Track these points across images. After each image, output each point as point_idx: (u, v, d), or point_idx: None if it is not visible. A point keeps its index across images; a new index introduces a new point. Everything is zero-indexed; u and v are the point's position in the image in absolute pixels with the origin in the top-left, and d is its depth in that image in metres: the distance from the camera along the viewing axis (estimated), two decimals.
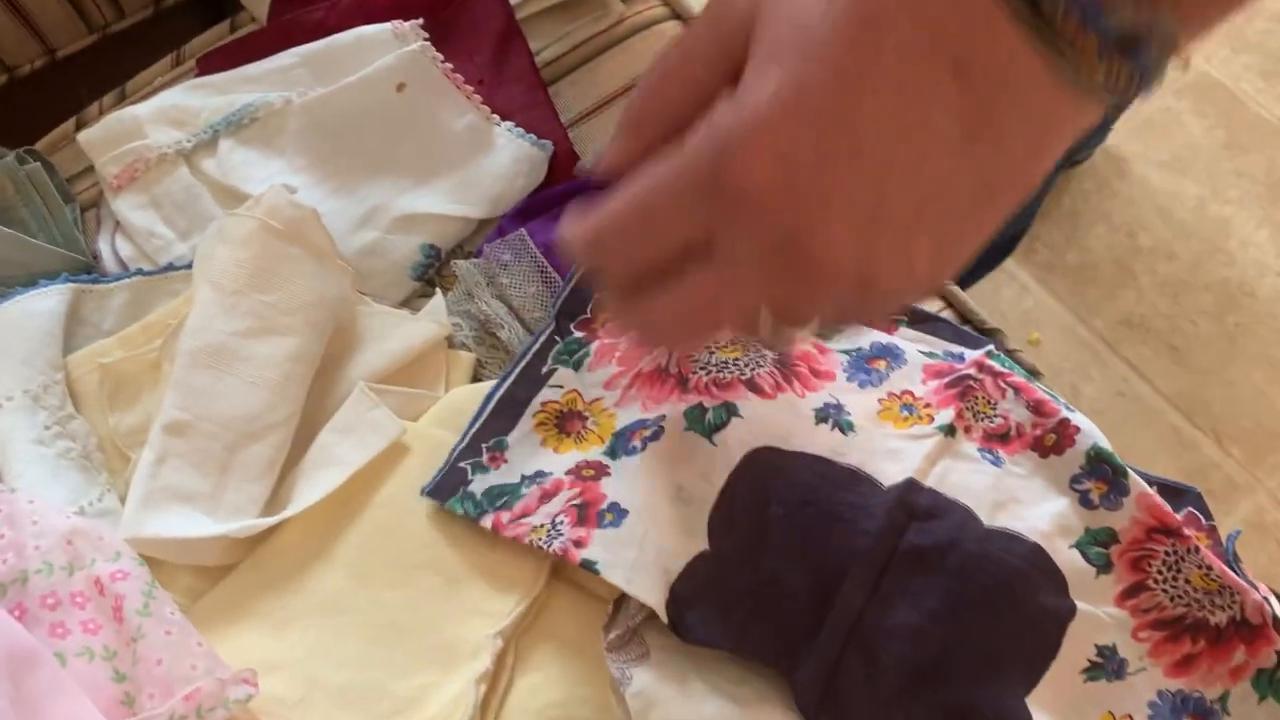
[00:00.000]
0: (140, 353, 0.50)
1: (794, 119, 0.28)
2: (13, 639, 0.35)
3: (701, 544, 0.43)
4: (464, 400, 0.49)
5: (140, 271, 0.54)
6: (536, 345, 0.50)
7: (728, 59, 0.31)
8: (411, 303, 0.54)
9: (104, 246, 0.56)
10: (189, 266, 0.53)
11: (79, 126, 0.61)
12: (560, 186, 0.56)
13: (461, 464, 0.46)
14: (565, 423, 0.48)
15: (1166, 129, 1.37)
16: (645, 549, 0.42)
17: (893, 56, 0.28)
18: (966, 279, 0.58)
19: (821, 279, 0.30)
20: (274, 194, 0.49)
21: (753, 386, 0.48)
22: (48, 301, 0.51)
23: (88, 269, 0.55)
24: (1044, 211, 1.30)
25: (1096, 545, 0.48)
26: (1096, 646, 0.47)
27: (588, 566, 0.42)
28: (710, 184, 0.29)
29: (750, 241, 0.30)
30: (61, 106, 0.65)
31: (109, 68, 0.71)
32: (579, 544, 0.43)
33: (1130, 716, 0.46)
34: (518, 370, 0.49)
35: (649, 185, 0.31)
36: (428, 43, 0.57)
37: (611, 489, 0.44)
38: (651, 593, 0.41)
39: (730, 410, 0.47)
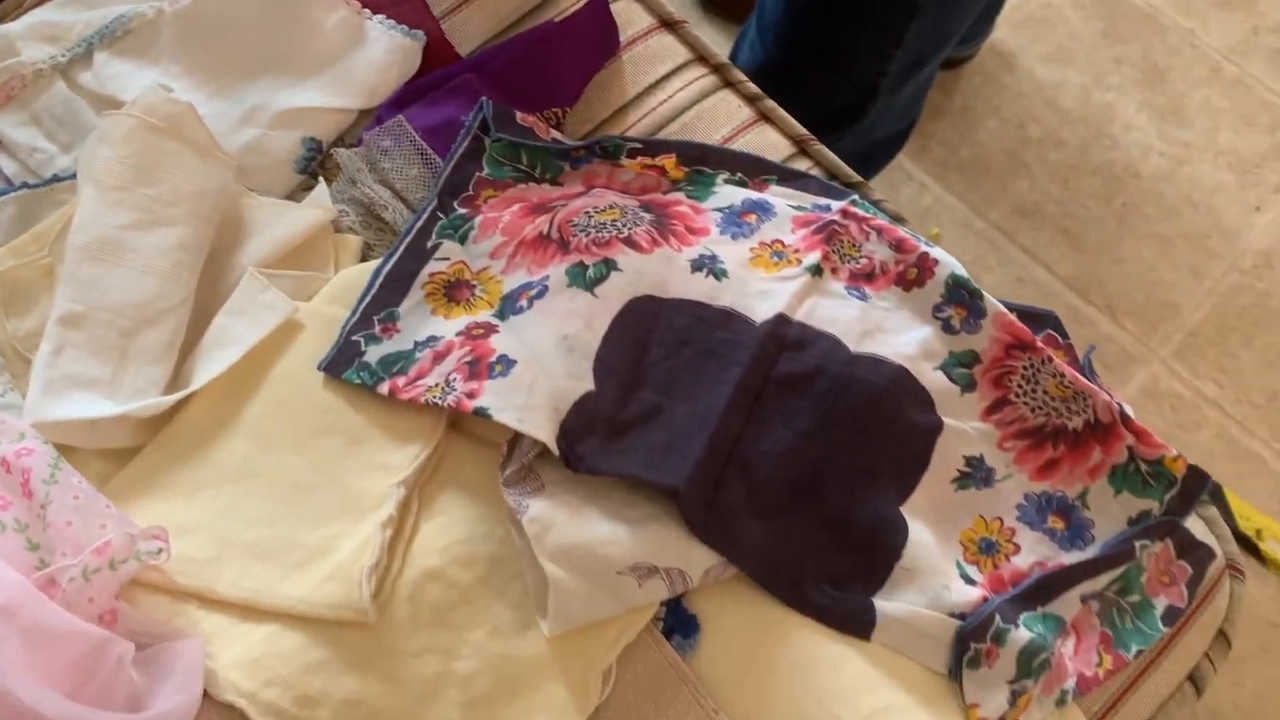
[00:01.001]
0: (32, 259, 0.51)
1: None
2: None
3: (588, 385, 0.46)
4: (353, 278, 0.51)
5: (25, 185, 0.54)
6: (420, 221, 0.52)
7: None
8: (296, 196, 0.55)
9: None
10: (73, 177, 0.53)
11: None
12: (434, 74, 0.57)
13: (354, 337, 0.48)
14: (454, 291, 0.50)
15: (1049, 22, 1.41)
16: (534, 393, 0.45)
17: None
18: (863, 175, 0.60)
19: None
20: (150, 93, 0.50)
21: (630, 243, 0.50)
22: None
23: None
24: (937, 110, 1.33)
25: (960, 366, 0.51)
26: (965, 458, 0.50)
27: (480, 413, 0.44)
28: None
29: None
30: None
31: None
32: (471, 395, 0.45)
33: (1000, 519, 0.50)
34: (404, 245, 0.51)
35: None
36: None
37: (500, 344, 0.47)
38: (542, 429, 0.44)
39: (610, 265, 0.49)
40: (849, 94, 0.96)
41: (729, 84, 0.60)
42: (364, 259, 0.53)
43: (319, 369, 0.48)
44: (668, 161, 0.55)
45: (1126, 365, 1.26)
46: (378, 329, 0.49)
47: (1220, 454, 1.21)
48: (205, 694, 0.40)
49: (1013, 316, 0.51)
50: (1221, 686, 1.10)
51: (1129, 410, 0.51)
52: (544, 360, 0.46)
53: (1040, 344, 0.51)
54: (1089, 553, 0.49)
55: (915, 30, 0.92)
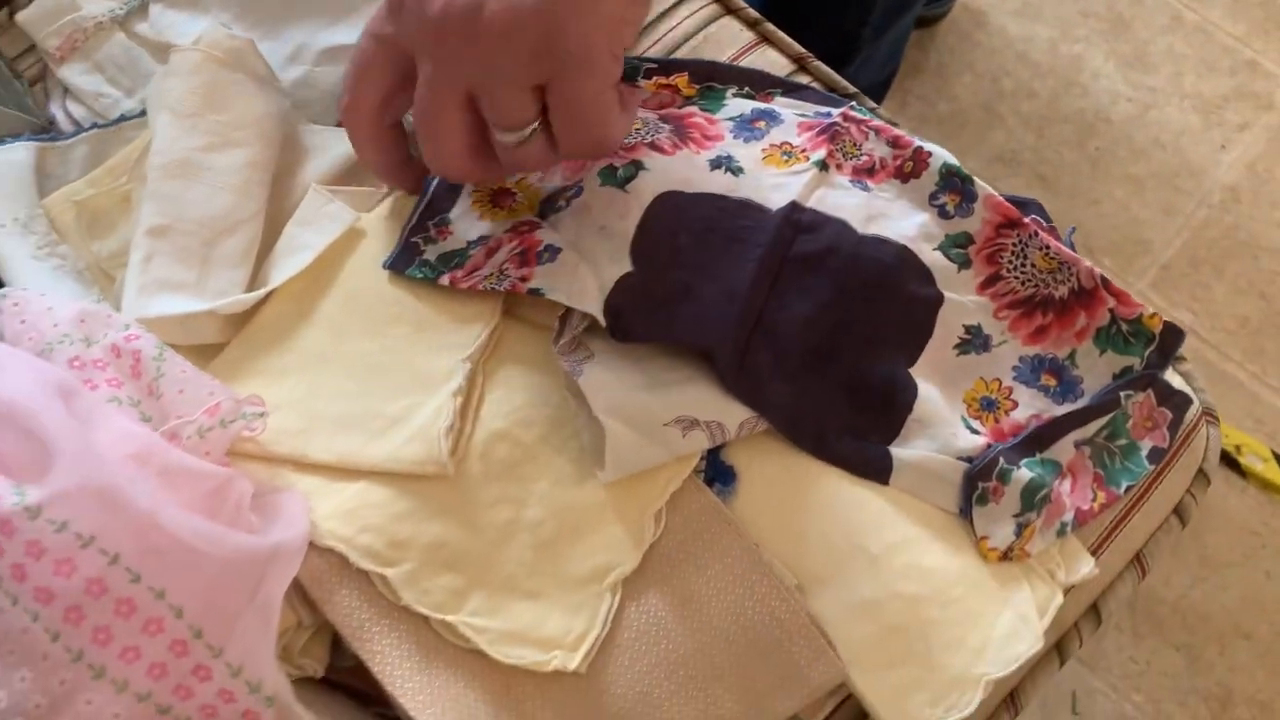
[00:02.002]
0: (110, 188, 0.56)
1: None
2: (52, 372, 0.42)
3: (626, 267, 0.51)
4: (407, 195, 0.56)
5: (95, 125, 0.59)
6: None
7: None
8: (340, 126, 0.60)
9: (57, 112, 0.61)
10: (139, 115, 0.58)
11: (11, 14, 0.65)
12: None
13: (413, 239, 0.54)
14: (497, 198, 0.56)
15: None
16: (579, 274, 0.50)
17: None
18: None
19: (506, 42, 0.41)
20: (213, 30, 0.56)
21: (654, 147, 0.56)
22: (16, 154, 0.56)
23: (44, 130, 0.60)
24: (914, 67, 1.40)
25: (955, 247, 0.57)
26: (964, 326, 0.56)
27: (534, 292, 0.50)
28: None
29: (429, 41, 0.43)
30: None
31: None
32: (524, 279, 0.50)
33: (999, 380, 0.56)
34: None
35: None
36: None
37: (545, 236, 0.52)
38: (590, 304, 0.49)
39: (637, 165, 0.54)
40: (833, 43, 1.02)
41: (730, 11, 0.66)
42: None
43: (383, 266, 0.53)
44: (680, 80, 0.61)
45: None
46: (433, 232, 0.54)
47: (1198, 377, 1.26)
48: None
49: (1000, 197, 0.57)
50: (1208, 591, 1.17)
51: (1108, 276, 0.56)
52: (585, 247, 0.52)
53: (1027, 221, 0.56)
54: (1079, 405, 0.55)
55: None
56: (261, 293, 0.51)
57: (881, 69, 1.17)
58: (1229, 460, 1.19)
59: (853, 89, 0.64)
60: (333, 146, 0.57)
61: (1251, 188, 1.35)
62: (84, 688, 0.37)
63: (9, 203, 0.54)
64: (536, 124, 0.45)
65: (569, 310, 0.50)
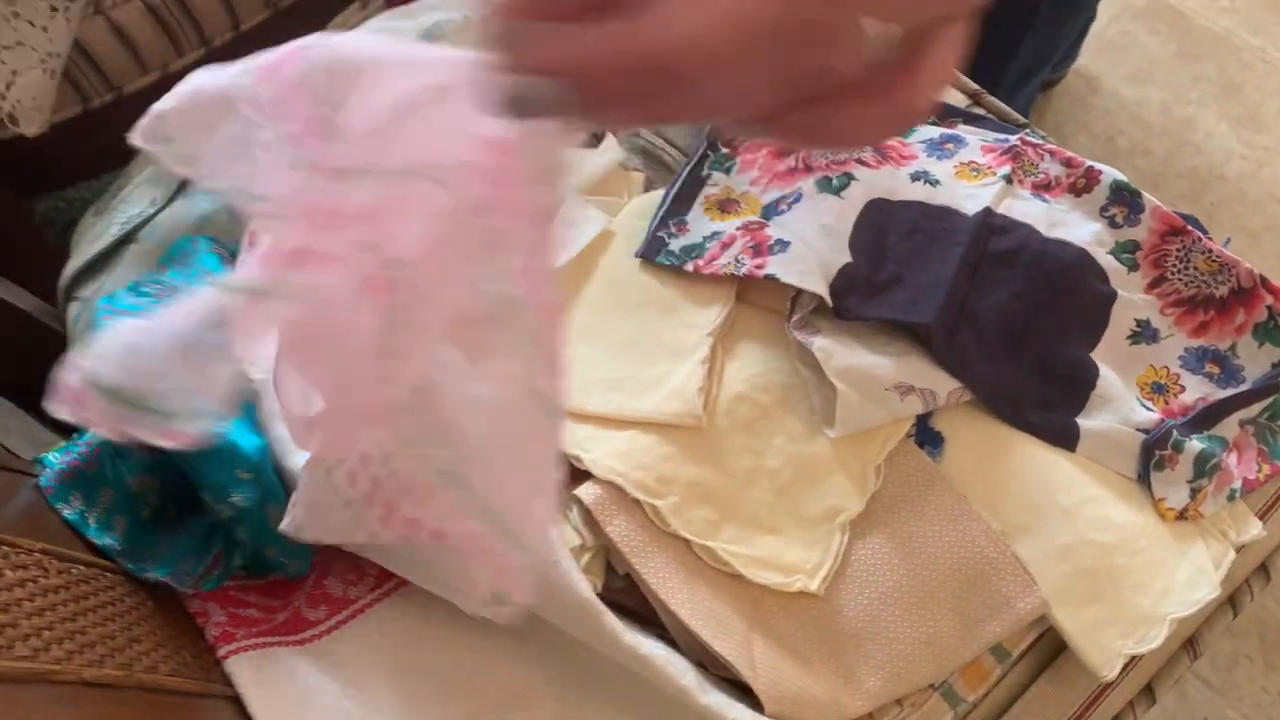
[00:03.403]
0: None
1: None
2: None
3: (846, 258, 0.60)
4: (647, 201, 0.66)
5: None
6: (696, 158, 0.67)
7: None
8: (588, 146, 0.70)
9: None
10: None
11: None
12: None
13: (659, 233, 0.63)
14: (725, 205, 0.65)
15: (1126, 48, 1.56)
16: (807, 263, 0.59)
17: None
18: None
19: None
20: None
21: (861, 162, 0.65)
22: None
23: None
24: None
25: (1125, 253, 0.65)
26: (1135, 320, 0.63)
27: (770, 278, 0.59)
28: None
29: None
30: None
31: (286, 33, 0.88)
32: (759, 266, 0.59)
33: (1167, 367, 0.63)
34: (685, 174, 0.66)
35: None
36: None
37: (773, 232, 0.61)
38: (819, 287, 0.58)
39: (849, 176, 0.64)
40: None
41: None
42: (646, 190, 0.68)
43: (635, 256, 0.62)
44: None
45: None
46: (673, 228, 0.64)
47: None
48: (590, 476, 0.54)
49: (1165, 208, 0.65)
50: None
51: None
52: (810, 242, 0.61)
53: (1188, 230, 0.64)
54: (1242, 389, 0.62)
55: (1028, 44, 1.08)
56: None
57: None
58: None
59: (1023, 119, 0.73)
60: (582, 165, 0.67)
61: None
62: None
63: None
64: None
65: (799, 293, 0.59)
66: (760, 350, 0.60)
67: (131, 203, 0.68)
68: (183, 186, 0.67)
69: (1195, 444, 0.59)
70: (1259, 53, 1.54)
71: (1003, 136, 0.69)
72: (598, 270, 0.62)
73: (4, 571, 0.41)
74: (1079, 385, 0.60)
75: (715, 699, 0.49)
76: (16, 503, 0.50)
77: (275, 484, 0.50)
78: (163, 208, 0.67)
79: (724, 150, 0.67)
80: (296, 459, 0.54)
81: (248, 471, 0.48)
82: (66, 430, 0.74)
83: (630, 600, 0.54)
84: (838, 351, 0.57)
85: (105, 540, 0.50)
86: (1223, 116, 1.50)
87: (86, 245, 0.67)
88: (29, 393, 0.71)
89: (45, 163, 0.85)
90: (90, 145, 0.89)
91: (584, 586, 0.50)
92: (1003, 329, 0.60)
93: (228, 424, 0.49)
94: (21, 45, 0.75)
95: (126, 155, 0.94)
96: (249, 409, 0.51)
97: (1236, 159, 1.47)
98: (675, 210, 0.64)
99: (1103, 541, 0.56)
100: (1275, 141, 1.47)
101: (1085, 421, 0.60)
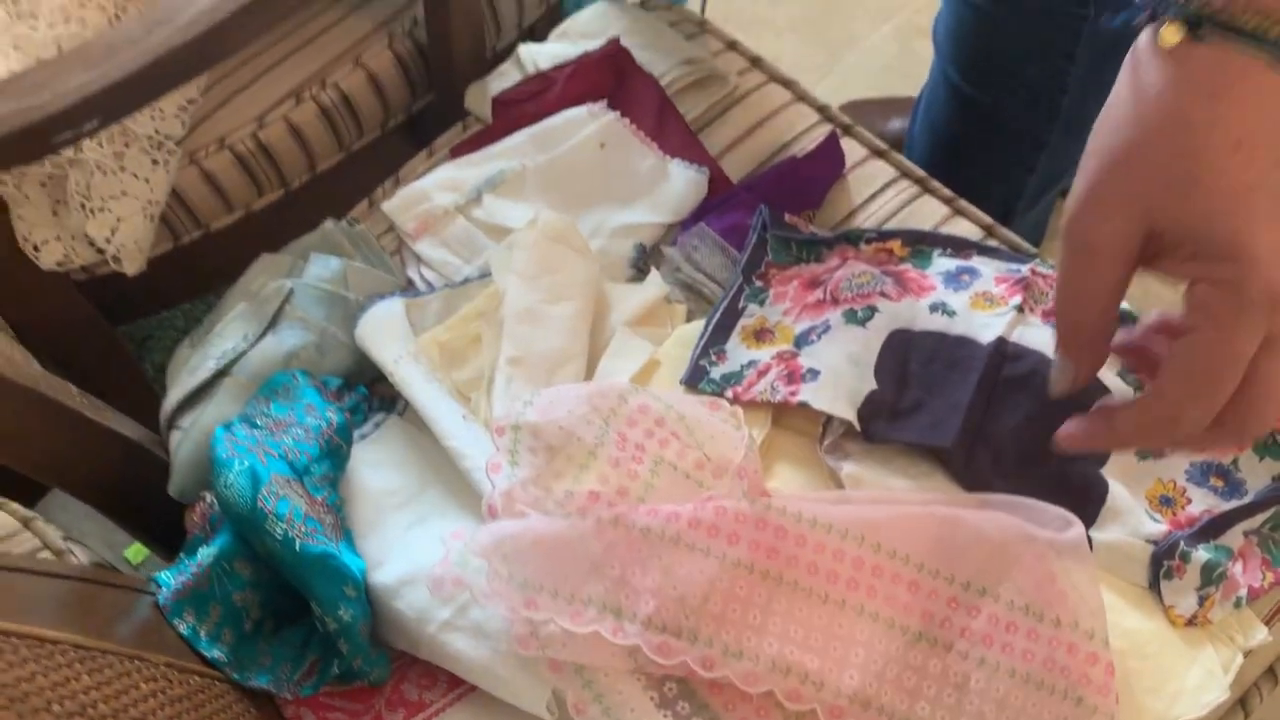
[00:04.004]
0: (464, 332, 0.74)
1: None
2: None
3: (871, 385, 0.66)
4: (689, 332, 0.72)
5: (446, 285, 0.78)
6: (733, 292, 0.74)
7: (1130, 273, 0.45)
8: (634, 281, 0.78)
9: (414, 275, 0.80)
10: (479, 278, 0.77)
11: (371, 204, 0.86)
12: (719, 197, 0.81)
13: (700, 362, 0.70)
14: (760, 335, 0.72)
15: None
16: (838, 390, 0.65)
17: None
18: None
19: None
20: (544, 214, 0.74)
21: (883, 295, 0.72)
22: (394, 306, 0.75)
23: (403, 290, 0.79)
24: (1054, 231, 1.54)
25: (1131, 373, 0.70)
26: None
27: (803, 405, 0.65)
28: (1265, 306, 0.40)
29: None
30: (325, 205, 0.91)
31: (356, 175, 0.97)
32: (793, 394, 0.66)
33: (1174, 481, 0.68)
34: (722, 308, 0.73)
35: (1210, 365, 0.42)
36: (615, 114, 0.82)
37: (805, 362, 0.68)
38: (848, 413, 0.64)
39: (872, 309, 0.70)
40: (992, 214, 1.17)
41: (928, 190, 0.82)
42: (687, 321, 0.75)
43: (680, 383, 0.69)
44: (895, 244, 0.77)
45: None
46: (714, 357, 0.70)
47: None
48: None
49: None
50: None
51: None
52: (838, 370, 0.67)
53: None
54: (1245, 501, 0.67)
55: (1044, 161, 1.14)
56: None
57: (1029, 235, 1.32)
58: None
59: (1034, 250, 0.79)
60: (629, 299, 0.74)
61: None
62: None
63: (398, 341, 0.72)
64: None
65: (830, 418, 0.65)
66: (795, 471, 0.66)
67: (226, 338, 0.76)
68: (272, 323, 0.75)
69: (1202, 554, 0.63)
70: None
71: (1015, 266, 0.76)
72: None
73: (139, 684, 0.48)
74: (1091, 500, 0.66)
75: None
76: (135, 618, 0.57)
77: (367, 602, 0.56)
78: (255, 343, 0.74)
79: (758, 284, 0.74)
80: (377, 575, 0.60)
81: (353, 589, 0.55)
82: (152, 535, 0.81)
83: None
84: (866, 476, 0.63)
85: (215, 653, 0.56)
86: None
87: (185, 377, 0.75)
88: (121, 504, 0.78)
89: (135, 292, 0.94)
90: (177, 276, 0.98)
91: None
92: (1018, 449, 0.66)
93: (336, 546, 0.55)
94: (126, 195, 0.84)
95: (208, 284, 1.03)
96: (348, 534, 0.58)
97: None
98: (715, 340, 0.71)
99: (1117, 647, 0.61)
100: None
101: (1097, 534, 0.65)
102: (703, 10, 0.97)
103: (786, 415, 0.68)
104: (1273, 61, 0.39)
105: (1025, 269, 0.74)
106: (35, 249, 0.86)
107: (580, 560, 0.55)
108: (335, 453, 0.64)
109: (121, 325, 1.01)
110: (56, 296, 0.89)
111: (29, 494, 0.88)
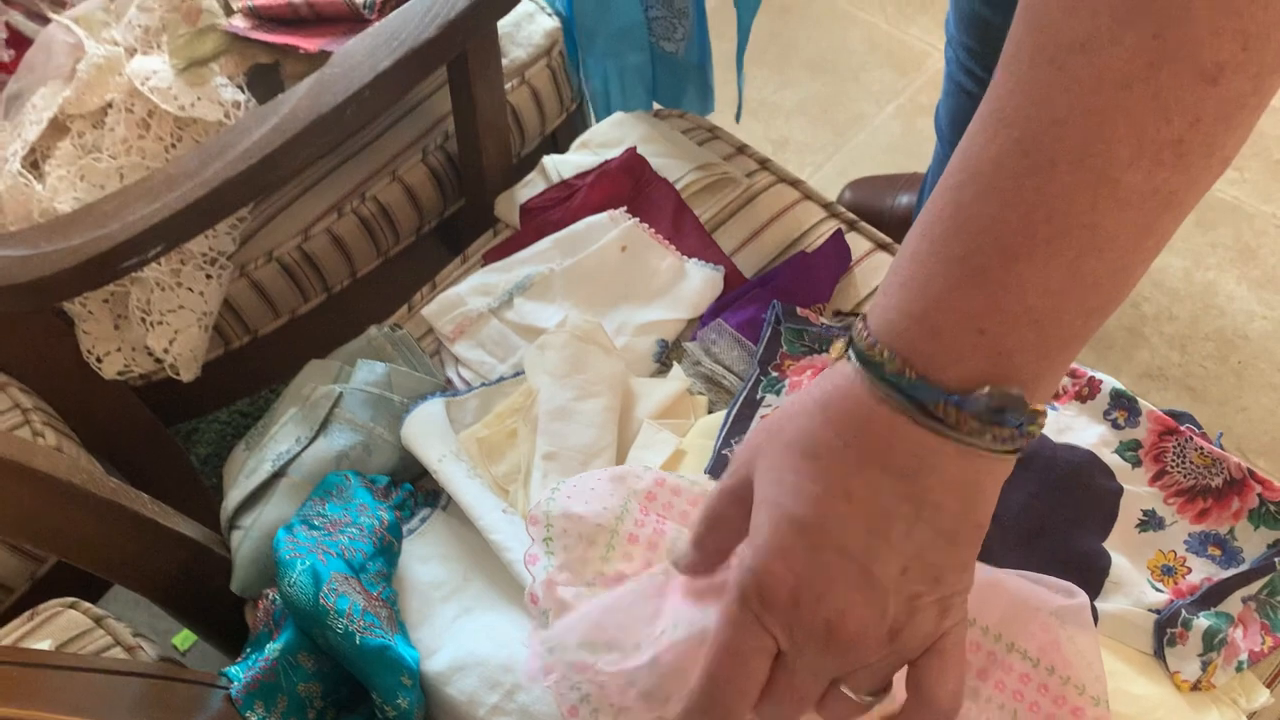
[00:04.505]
0: (501, 428, 0.79)
1: (791, 542, 0.39)
2: None
3: None
4: (710, 422, 0.78)
5: (483, 384, 0.83)
6: (750, 383, 0.79)
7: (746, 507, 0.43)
8: (656, 375, 0.83)
9: (453, 375, 0.86)
10: (513, 376, 0.82)
11: (410, 309, 0.92)
12: (734, 292, 0.86)
13: (724, 452, 0.75)
14: None
15: None
16: None
17: (840, 476, 0.38)
18: None
19: (861, 645, 0.40)
20: (572, 316, 0.80)
21: None
22: (436, 407, 0.81)
23: (443, 390, 0.85)
24: None
25: (1128, 450, 0.75)
26: (1141, 510, 0.73)
27: None
28: (756, 605, 0.40)
29: (802, 638, 0.40)
30: (364, 306, 0.97)
31: (394, 277, 1.04)
32: None
33: (1174, 551, 0.72)
34: (742, 398, 0.78)
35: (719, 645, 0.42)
36: (634, 219, 0.89)
37: None
38: None
39: None
40: None
41: None
42: (709, 412, 0.80)
43: (704, 472, 0.74)
44: None
45: None
46: (735, 446, 0.75)
47: None
48: None
49: (1159, 411, 0.75)
50: None
51: (1255, 469, 0.73)
52: None
53: (1181, 429, 0.74)
54: (1242, 569, 0.71)
55: None
56: None
57: None
58: None
59: None
60: (653, 392, 0.80)
61: None
62: None
63: (440, 440, 0.78)
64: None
65: None
66: None
67: (280, 440, 0.81)
68: (323, 426, 0.80)
69: (1203, 621, 0.67)
70: (1270, 219, 1.65)
71: None
72: None
73: None
74: (1094, 572, 0.70)
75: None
76: (210, 711, 0.62)
77: (421, 689, 0.61)
78: (307, 445, 0.80)
79: (774, 374, 0.79)
80: (429, 664, 0.65)
81: (409, 678, 0.59)
82: (206, 627, 0.86)
83: None
84: None
85: None
86: (1241, 279, 1.60)
87: (243, 479, 0.81)
88: (183, 600, 0.83)
89: (188, 395, 1.00)
90: (227, 379, 1.05)
91: None
92: (1023, 525, 0.70)
93: (392, 639, 0.60)
94: (183, 308, 0.91)
95: (255, 384, 1.10)
96: (402, 625, 0.63)
97: (1259, 319, 1.56)
98: (735, 430, 0.76)
99: (1127, 713, 0.65)
100: None
101: (1102, 605, 0.69)
102: (739, 114, 1.04)
103: None
104: (887, 396, 0.38)
105: None
106: (98, 360, 0.92)
107: (635, 615, 0.58)
108: (388, 550, 0.69)
109: (173, 425, 1.07)
110: (117, 403, 0.95)
111: (91, 590, 0.93)
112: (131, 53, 0.90)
